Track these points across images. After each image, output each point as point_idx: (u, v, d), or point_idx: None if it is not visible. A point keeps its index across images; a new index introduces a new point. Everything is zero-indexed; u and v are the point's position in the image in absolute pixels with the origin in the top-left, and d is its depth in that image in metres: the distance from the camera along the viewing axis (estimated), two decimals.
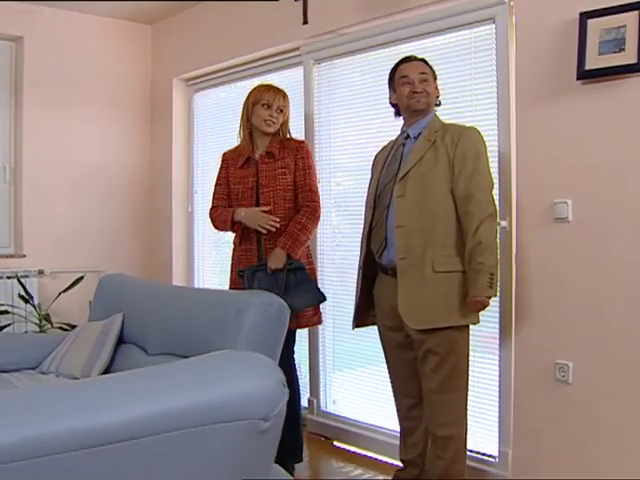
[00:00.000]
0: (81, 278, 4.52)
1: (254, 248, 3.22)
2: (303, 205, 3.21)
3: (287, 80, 4.08)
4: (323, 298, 3.20)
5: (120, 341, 3.50)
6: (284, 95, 3.27)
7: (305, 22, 3.88)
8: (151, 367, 1.59)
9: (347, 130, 3.79)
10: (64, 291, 4.42)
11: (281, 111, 3.22)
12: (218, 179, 3.39)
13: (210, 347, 2.91)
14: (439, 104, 2.90)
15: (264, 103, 3.21)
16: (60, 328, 4.34)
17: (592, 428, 2.73)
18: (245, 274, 3.20)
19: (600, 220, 2.71)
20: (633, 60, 2.56)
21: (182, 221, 4.95)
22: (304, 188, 3.21)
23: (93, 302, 3.81)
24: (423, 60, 2.90)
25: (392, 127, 3.18)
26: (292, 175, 3.21)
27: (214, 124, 4.78)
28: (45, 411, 1.32)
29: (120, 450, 1.34)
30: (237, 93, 4.57)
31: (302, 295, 3.13)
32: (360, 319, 3.00)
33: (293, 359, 3.29)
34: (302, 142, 3.28)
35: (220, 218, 3.30)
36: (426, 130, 2.79)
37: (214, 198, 3.39)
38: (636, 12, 2.57)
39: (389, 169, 2.88)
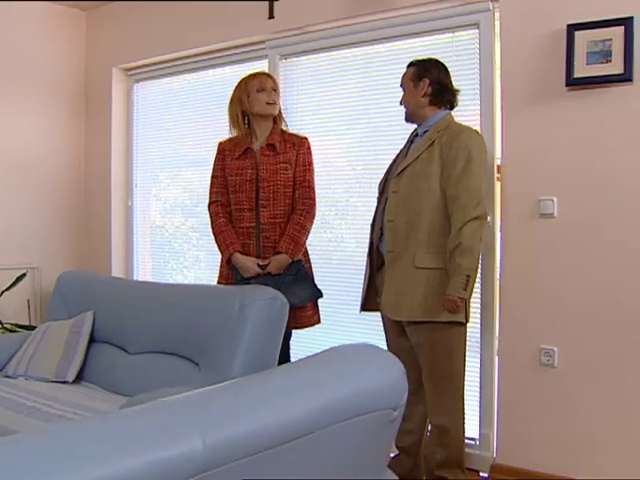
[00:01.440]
0: (23, 275, 4.26)
1: (252, 243, 3.15)
2: (299, 202, 3.16)
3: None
4: (320, 294, 3.20)
5: (90, 340, 3.37)
6: (268, 75, 3.24)
7: (271, 17, 3.90)
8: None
9: (314, 125, 3.83)
10: (7, 289, 4.14)
11: (275, 90, 3.16)
12: (214, 171, 3.25)
13: (211, 342, 2.91)
14: (447, 102, 2.94)
15: (257, 88, 3.14)
16: (8, 330, 4.07)
17: (576, 409, 2.97)
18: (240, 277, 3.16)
19: (584, 216, 2.95)
20: (620, 70, 2.82)
21: (121, 215, 4.78)
22: (302, 184, 3.16)
23: (52, 300, 3.62)
24: (414, 64, 2.98)
25: (362, 123, 3.25)
26: (293, 170, 3.15)
27: (159, 116, 4.65)
28: (231, 412, 1.30)
29: (285, 450, 1.33)
30: (188, 85, 4.49)
31: (298, 292, 3.11)
32: (366, 304, 3.08)
33: (289, 356, 3.30)
34: (304, 138, 3.21)
35: (221, 238, 3.17)
36: (432, 129, 2.89)
37: (212, 192, 3.26)
38: (622, 27, 2.82)
39: (396, 165, 2.97)
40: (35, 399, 2.88)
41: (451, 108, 2.97)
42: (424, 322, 2.80)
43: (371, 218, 3.08)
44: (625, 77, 2.81)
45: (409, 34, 3.46)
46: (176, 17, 4.33)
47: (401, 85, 2.99)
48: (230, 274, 3.22)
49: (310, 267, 3.28)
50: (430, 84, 2.90)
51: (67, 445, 1.10)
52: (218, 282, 3.33)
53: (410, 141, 3.00)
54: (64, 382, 3.21)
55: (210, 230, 3.28)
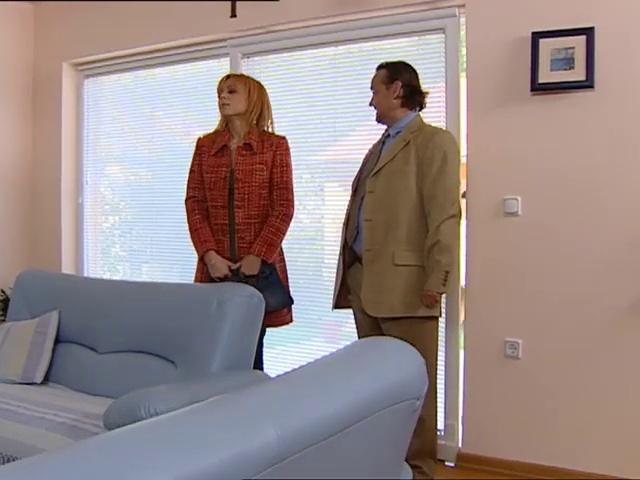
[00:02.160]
0: None
1: (226, 241, 3.14)
2: (277, 204, 3.14)
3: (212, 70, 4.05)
4: (290, 302, 3.22)
5: (55, 340, 3.29)
6: (232, 76, 3.22)
7: (233, 15, 3.90)
8: (324, 360, 1.58)
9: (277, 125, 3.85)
10: None
11: (232, 91, 3.12)
12: (192, 166, 3.23)
13: (188, 340, 2.90)
14: (418, 104, 3.03)
15: (218, 90, 3.17)
16: None
17: (540, 398, 3.13)
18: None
19: (547, 214, 3.11)
20: (582, 77, 2.99)
21: (71, 213, 4.67)
22: (280, 185, 3.14)
23: (12, 300, 3.51)
24: (384, 66, 3.05)
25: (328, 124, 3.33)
26: (269, 171, 3.13)
27: (112, 112, 4.57)
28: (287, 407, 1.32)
29: (338, 440, 1.38)
30: (144, 81, 4.44)
31: (270, 299, 3.06)
32: (339, 301, 3.13)
33: (262, 353, 3.31)
34: (283, 138, 3.18)
35: (196, 235, 3.16)
36: (404, 130, 2.97)
37: (188, 187, 3.22)
38: (584, 36, 2.99)
39: (368, 165, 3.04)
40: (7, 401, 2.79)
41: (420, 109, 3.06)
42: (402, 317, 2.88)
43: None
44: (587, 84, 2.98)
45: (376, 36, 3.54)
46: (131, 13, 4.27)
47: (371, 87, 3.06)
48: (206, 270, 3.21)
49: (284, 267, 3.29)
50: (402, 86, 2.98)
51: (147, 445, 1.11)
52: (196, 276, 3.30)
53: (382, 142, 3.07)
54: (31, 383, 3.13)
55: (184, 227, 3.27)
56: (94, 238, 4.69)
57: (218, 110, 3.20)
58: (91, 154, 4.66)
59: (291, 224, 3.19)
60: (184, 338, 2.94)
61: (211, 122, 4.04)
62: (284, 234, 3.16)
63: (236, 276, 3.11)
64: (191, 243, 3.22)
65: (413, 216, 2.87)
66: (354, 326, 3.67)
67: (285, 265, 3.28)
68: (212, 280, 3.17)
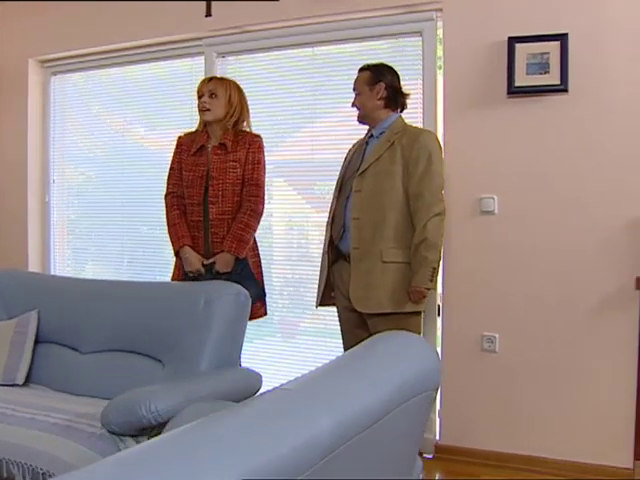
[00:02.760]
0: None
1: (200, 237, 3.19)
2: (245, 199, 3.20)
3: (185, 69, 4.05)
4: (263, 295, 3.28)
5: (35, 341, 3.25)
6: (212, 79, 3.25)
7: (208, 15, 3.91)
8: (352, 354, 1.62)
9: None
10: None
11: (213, 95, 3.17)
12: (172, 163, 3.30)
13: (176, 339, 2.92)
14: (400, 105, 3.11)
15: (199, 95, 3.21)
16: None
17: (516, 390, 3.26)
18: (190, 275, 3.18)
19: (522, 213, 3.23)
20: (557, 81, 3.12)
21: (37, 211, 4.58)
22: (250, 182, 3.20)
23: None
24: (366, 68, 3.10)
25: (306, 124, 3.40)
26: (242, 169, 3.20)
27: (80, 110, 4.51)
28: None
29: (378, 428, 1.43)
30: (114, 79, 4.39)
31: None
32: (322, 299, 3.18)
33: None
34: (256, 136, 3.24)
35: (173, 230, 3.22)
36: (388, 131, 3.04)
37: (168, 183, 3.29)
38: (558, 42, 3.12)
39: (352, 164, 3.10)
40: None
41: (402, 110, 3.14)
42: (389, 313, 2.95)
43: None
44: (561, 88, 3.11)
45: (354, 38, 3.60)
46: (102, 10, 4.21)
47: (354, 88, 3.11)
48: (182, 265, 3.23)
49: (258, 262, 3.35)
50: (385, 88, 3.05)
51: (214, 441, 1.12)
52: (173, 272, 3.35)
53: (365, 142, 3.13)
54: (12, 385, 3.08)
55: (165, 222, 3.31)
56: (60, 237, 4.62)
57: (197, 111, 3.24)
58: (58, 152, 4.59)
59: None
60: (171, 337, 2.94)
61: (181, 121, 4.09)
62: (254, 229, 3.22)
63: (209, 272, 3.16)
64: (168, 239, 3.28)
65: (400, 215, 2.94)
66: (311, 323, 3.73)
67: (259, 260, 3.35)
68: (187, 275, 3.21)
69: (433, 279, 2.88)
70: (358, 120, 3.16)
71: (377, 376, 1.51)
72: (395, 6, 3.48)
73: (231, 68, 3.94)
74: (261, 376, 2.94)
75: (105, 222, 4.51)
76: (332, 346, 3.89)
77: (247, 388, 2.82)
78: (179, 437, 1.16)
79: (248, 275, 3.23)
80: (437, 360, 1.76)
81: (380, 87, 3.05)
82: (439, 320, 3.45)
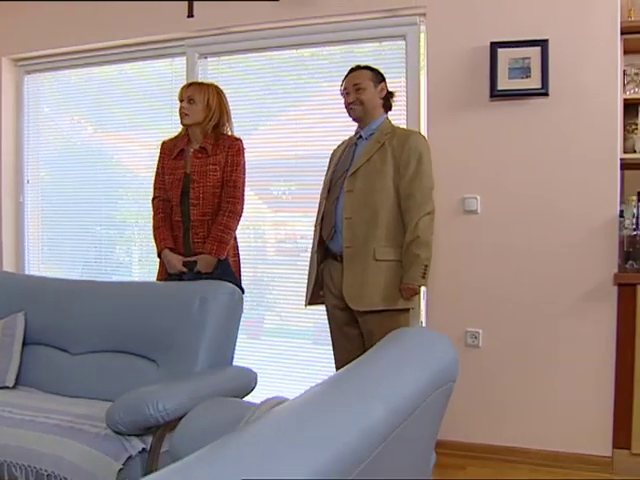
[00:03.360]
0: None
1: (180, 236, 3.26)
2: (224, 201, 3.26)
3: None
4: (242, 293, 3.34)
5: (22, 342, 3.22)
6: (191, 85, 3.29)
7: (190, 15, 3.93)
8: (384, 345, 1.67)
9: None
10: None
11: (191, 100, 3.22)
12: (157, 167, 3.39)
13: (171, 338, 2.94)
14: (389, 107, 3.16)
15: (181, 99, 3.27)
16: None
17: (498, 383, 3.37)
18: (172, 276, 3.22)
19: (504, 212, 3.35)
20: (538, 85, 3.24)
21: (12, 212, 4.51)
22: (228, 184, 3.26)
23: None
24: (366, 67, 3.15)
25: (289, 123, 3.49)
26: (222, 171, 3.26)
27: (56, 110, 4.46)
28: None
29: (411, 421, 1.50)
30: (90, 79, 4.36)
31: None
32: (311, 298, 3.24)
33: None
34: (237, 139, 3.30)
35: (157, 233, 3.31)
36: (377, 132, 3.09)
37: (154, 187, 3.38)
38: (539, 48, 3.24)
39: (341, 165, 3.15)
40: None
41: (387, 112, 3.20)
42: (381, 310, 3.02)
43: None
44: (542, 91, 3.23)
45: (338, 41, 3.66)
46: (81, 8, 4.18)
47: (355, 84, 3.09)
48: (164, 272, 3.30)
49: (238, 261, 3.42)
50: (386, 88, 3.12)
51: (285, 435, 1.16)
52: (159, 271, 3.37)
53: (354, 143, 3.19)
54: (1, 387, 3.05)
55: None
56: (34, 238, 4.56)
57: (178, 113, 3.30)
58: (32, 152, 4.53)
59: None
60: (166, 337, 2.96)
61: (161, 122, 4.10)
62: (233, 230, 3.28)
63: (191, 271, 3.21)
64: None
65: (391, 214, 3.01)
66: (276, 322, 3.75)
67: (239, 259, 3.42)
68: (170, 275, 3.26)
69: (425, 276, 2.96)
70: (355, 117, 3.15)
71: (412, 369, 1.58)
72: (378, 10, 3.55)
73: (212, 69, 3.95)
74: (256, 374, 2.98)
75: (79, 223, 4.49)
76: (295, 345, 3.97)
77: (244, 385, 2.87)
78: (255, 432, 1.19)
79: (229, 274, 3.28)
80: (456, 353, 1.84)
81: (383, 86, 3.10)
82: (423, 316, 3.54)
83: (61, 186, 4.54)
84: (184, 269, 3.19)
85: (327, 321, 3.30)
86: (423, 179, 2.99)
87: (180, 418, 2.50)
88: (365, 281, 3.01)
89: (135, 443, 2.44)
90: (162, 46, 4.06)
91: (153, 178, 3.40)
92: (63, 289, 3.33)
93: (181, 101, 3.25)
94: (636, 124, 3.37)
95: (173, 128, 3.92)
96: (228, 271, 3.29)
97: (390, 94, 3.16)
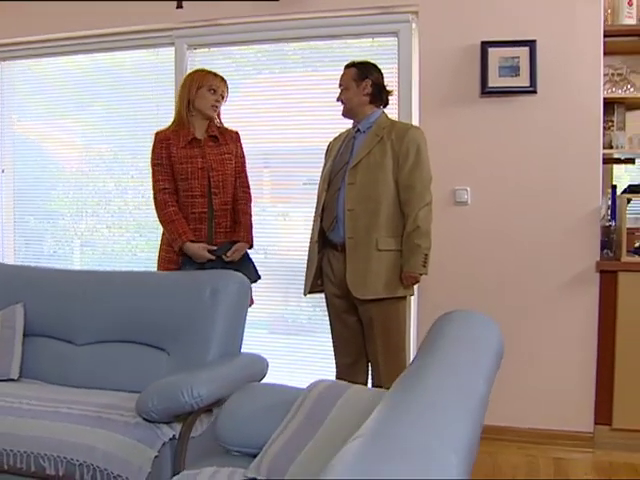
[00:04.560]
0: None
1: (204, 228, 3.24)
2: (240, 191, 3.35)
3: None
4: (259, 277, 3.40)
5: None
6: (220, 77, 3.30)
7: (179, 6, 3.92)
8: (440, 345, 1.75)
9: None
10: None
11: (223, 97, 3.29)
12: (156, 159, 3.24)
13: (181, 328, 2.98)
14: (383, 101, 3.23)
15: (211, 88, 3.23)
16: None
17: None
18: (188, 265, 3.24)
19: (493, 203, 3.52)
20: (526, 84, 3.42)
21: None
22: (241, 175, 3.36)
23: None
24: (351, 65, 3.22)
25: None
26: (235, 161, 3.33)
27: (33, 98, 4.37)
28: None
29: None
30: (69, 67, 4.30)
31: (246, 274, 3.27)
32: (311, 287, 3.32)
33: None
34: (237, 132, 3.38)
35: (172, 227, 3.21)
36: (375, 126, 3.19)
37: (157, 180, 3.24)
38: (527, 48, 3.41)
39: (341, 158, 3.24)
40: (3, 398, 2.71)
41: (384, 107, 3.31)
42: (381, 299, 3.13)
43: None
44: (531, 89, 3.41)
45: (329, 36, 3.74)
46: None
47: (340, 84, 3.23)
48: (178, 260, 3.26)
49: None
50: (372, 84, 3.19)
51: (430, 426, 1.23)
52: (158, 266, 3.34)
53: (353, 137, 3.28)
54: (6, 380, 3.02)
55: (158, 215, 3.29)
56: (7, 227, 4.47)
57: (192, 100, 3.24)
58: (8, 141, 4.43)
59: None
60: (177, 326, 2.99)
61: (145, 112, 4.09)
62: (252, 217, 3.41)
63: (219, 259, 3.25)
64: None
65: (391, 205, 3.12)
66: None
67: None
68: (184, 268, 3.25)
69: (425, 265, 3.09)
70: (343, 114, 3.29)
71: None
72: (371, 7, 3.65)
73: (199, 60, 3.96)
74: (267, 361, 3.04)
75: (53, 212, 4.46)
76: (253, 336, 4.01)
77: (261, 372, 2.93)
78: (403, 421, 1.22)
79: (248, 259, 3.39)
80: (499, 331, 1.97)
81: (366, 83, 3.17)
82: (415, 302, 3.68)
83: (36, 176, 4.47)
84: (212, 257, 3.20)
85: (327, 309, 3.40)
86: (423, 171, 3.11)
87: (210, 405, 2.58)
88: (368, 270, 3.11)
89: (166, 430, 2.48)
90: (149, 36, 4.04)
91: (151, 170, 3.28)
92: (62, 279, 3.31)
93: (211, 91, 3.23)
94: (612, 121, 3.59)
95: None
96: (249, 258, 3.38)
97: (385, 90, 3.23)
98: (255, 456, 2.15)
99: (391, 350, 3.19)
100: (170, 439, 2.48)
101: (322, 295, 3.35)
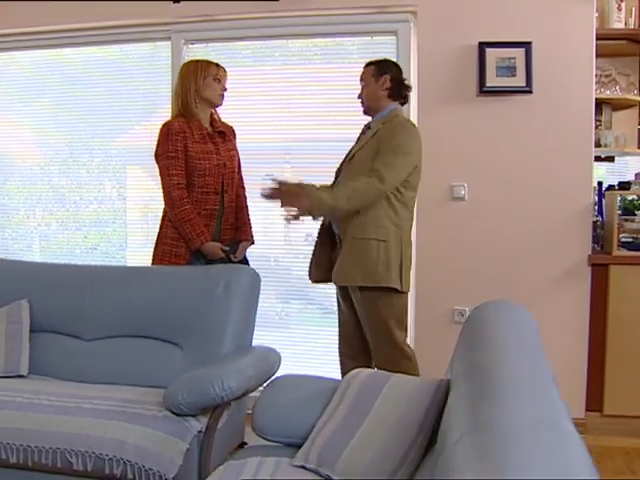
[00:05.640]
0: None
1: (213, 225, 3.23)
2: (239, 188, 3.39)
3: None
4: None
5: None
6: (223, 68, 3.28)
7: (176, 1, 3.92)
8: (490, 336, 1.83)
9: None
10: None
11: (225, 88, 3.28)
12: (173, 151, 3.13)
13: (195, 321, 3.00)
14: (401, 97, 3.22)
15: (215, 77, 3.21)
16: None
17: None
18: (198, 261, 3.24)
19: (489, 199, 3.63)
20: (522, 83, 3.54)
21: None
22: (239, 170, 3.40)
23: None
24: (370, 63, 3.24)
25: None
26: (237, 157, 3.36)
27: (19, 90, 4.30)
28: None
29: None
30: (53, 59, 4.25)
31: None
32: (313, 276, 3.33)
33: None
34: (232, 127, 3.41)
35: (190, 226, 3.15)
36: (378, 121, 3.21)
37: (171, 174, 3.14)
38: (523, 49, 3.53)
39: (348, 153, 3.30)
40: (21, 395, 2.69)
41: (404, 103, 3.28)
42: (366, 288, 3.07)
43: None
44: (527, 89, 3.53)
45: (329, 33, 3.80)
46: None
47: (361, 80, 3.24)
48: (187, 255, 3.23)
49: None
50: (391, 80, 3.18)
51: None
52: (172, 262, 3.24)
53: (363, 132, 3.33)
54: (16, 376, 2.99)
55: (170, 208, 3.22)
56: None
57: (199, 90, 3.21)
58: None
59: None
60: (190, 320, 3.00)
61: (138, 106, 4.09)
62: None
63: (228, 258, 3.28)
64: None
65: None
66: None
67: None
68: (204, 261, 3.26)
69: (315, 213, 2.95)
70: (364, 112, 3.28)
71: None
72: (369, 6, 3.72)
73: (195, 55, 3.95)
74: (280, 354, 3.07)
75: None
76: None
77: (276, 364, 2.96)
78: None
79: (245, 257, 3.42)
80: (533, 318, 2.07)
81: (385, 79, 3.16)
82: (411, 296, 3.76)
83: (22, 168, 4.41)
84: (224, 256, 3.22)
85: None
86: (394, 162, 3.00)
87: (237, 397, 2.61)
88: (343, 258, 3.10)
89: (194, 423, 2.52)
90: (145, 30, 4.01)
91: (159, 163, 3.19)
92: (67, 274, 3.29)
93: (216, 80, 3.21)
94: (600, 121, 3.75)
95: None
96: (245, 256, 3.42)
97: (404, 86, 3.21)
98: (289, 445, 2.22)
99: (377, 340, 3.15)
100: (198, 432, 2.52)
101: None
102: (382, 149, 3.02)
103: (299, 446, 2.15)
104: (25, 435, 2.49)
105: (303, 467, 2.01)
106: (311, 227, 3.36)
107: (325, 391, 2.27)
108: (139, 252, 4.14)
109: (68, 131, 4.30)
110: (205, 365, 2.74)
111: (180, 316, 3.01)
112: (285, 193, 2.87)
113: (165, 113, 3.69)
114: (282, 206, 2.88)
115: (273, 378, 2.46)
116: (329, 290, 3.63)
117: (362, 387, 2.11)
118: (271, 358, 2.95)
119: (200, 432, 2.52)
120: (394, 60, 3.32)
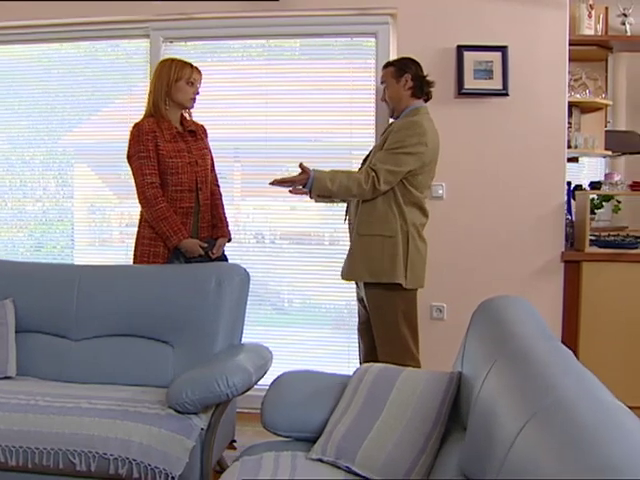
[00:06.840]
0: None
1: (190, 222, 3.24)
2: (213, 185, 3.42)
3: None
4: None
5: None
6: (197, 69, 3.28)
7: None
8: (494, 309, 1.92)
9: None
10: None
11: (198, 91, 3.28)
12: (145, 151, 3.14)
13: (187, 320, 3.03)
14: (424, 94, 3.24)
15: (187, 80, 3.20)
16: None
17: None
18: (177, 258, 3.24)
19: (466, 198, 3.74)
20: (499, 86, 3.65)
21: None
22: (213, 168, 3.43)
23: None
24: (388, 64, 3.30)
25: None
26: (209, 156, 3.38)
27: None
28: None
29: None
30: (33, 55, 4.16)
31: None
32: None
33: None
34: (203, 126, 3.43)
35: (166, 224, 3.15)
36: (394, 122, 3.28)
37: (146, 173, 3.15)
38: (500, 53, 3.65)
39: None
40: (15, 396, 2.66)
41: (427, 100, 3.30)
42: (373, 284, 3.17)
43: None
44: (503, 92, 3.65)
45: (308, 34, 3.84)
46: None
47: (382, 82, 3.29)
48: (165, 254, 3.23)
49: None
50: (412, 78, 3.22)
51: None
52: (152, 262, 3.24)
53: (384, 132, 3.33)
54: (5, 378, 2.95)
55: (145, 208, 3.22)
56: None
57: (170, 92, 3.21)
58: None
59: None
60: (181, 318, 3.01)
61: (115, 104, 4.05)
62: None
63: (207, 255, 3.30)
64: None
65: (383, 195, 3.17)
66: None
67: None
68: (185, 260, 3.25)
69: (313, 194, 3.06)
70: (390, 115, 3.33)
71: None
72: (349, 7, 3.78)
73: (174, 54, 3.93)
74: (270, 350, 3.10)
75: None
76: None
77: (269, 360, 2.99)
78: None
79: (224, 254, 3.45)
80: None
81: (406, 78, 3.19)
82: None
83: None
84: (202, 252, 3.23)
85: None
86: (389, 156, 3.05)
87: (240, 394, 2.63)
88: (350, 255, 3.19)
89: (197, 421, 2.53)
90: (123, 27, 3.97)
91: (132, 163, 3.20)
92: (52, 273, 3.24)
93: (189, 84, 3.21)
94: (571, 123, 3.90)
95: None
96: (224, 252, 3.44)
97: (426, 82, 3.23)
98: (298, 440, 2.26)
99: (384, 339, 3.22)
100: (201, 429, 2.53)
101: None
102: (385, 146, 3.09)
103: (309, 440, 2.20)
104: (25, 437, 2.47)
105: (320, 460, 2.06)
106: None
107: (333, 386, 2.33)
108: (88, 250, 4.26)
109: (27, 127, 4.25)
110: (199, 363, 2.77)
111: (171, 314, 3.02)
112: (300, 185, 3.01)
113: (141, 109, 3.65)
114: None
115: (278, 375, 2.49)
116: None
117: (375, 381, 2.17)
118: (265, 354, 2.98)
119: (202, 430, 2.54)
120: (412, 57, 3.29)
